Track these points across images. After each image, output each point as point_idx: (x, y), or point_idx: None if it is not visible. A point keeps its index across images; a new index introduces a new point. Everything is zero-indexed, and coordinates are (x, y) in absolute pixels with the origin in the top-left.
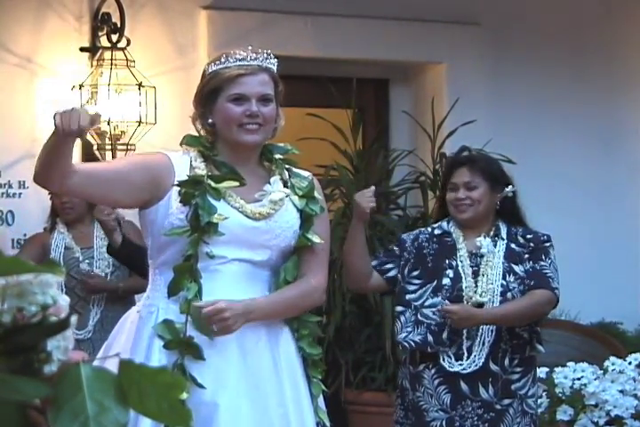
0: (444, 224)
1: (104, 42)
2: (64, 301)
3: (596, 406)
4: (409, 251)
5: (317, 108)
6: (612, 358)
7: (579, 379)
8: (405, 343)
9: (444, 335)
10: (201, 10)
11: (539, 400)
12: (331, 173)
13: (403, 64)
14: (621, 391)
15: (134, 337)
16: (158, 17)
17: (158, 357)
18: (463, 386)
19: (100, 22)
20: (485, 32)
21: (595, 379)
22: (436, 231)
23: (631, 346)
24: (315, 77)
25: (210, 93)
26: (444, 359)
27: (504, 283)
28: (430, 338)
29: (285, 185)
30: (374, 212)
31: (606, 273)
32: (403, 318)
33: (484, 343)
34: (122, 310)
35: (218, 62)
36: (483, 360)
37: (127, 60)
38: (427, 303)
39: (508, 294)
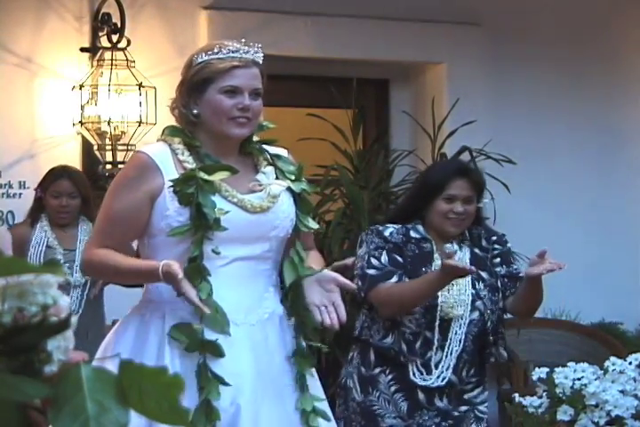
0: (420, 228)
1: (104, 42)
2: (64, 301)
3: (596, 406)
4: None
5: (318, 109)
6: (613, 359)
7: (579, 379)
8: (386, 351)
9: (418, 345)
10: (201, 10)
11: (539, 400)
12: (331, 173)
13: (403, 64)
14: (622, 392)
15: (141, 342)
16: (158, 17)
17: (170, 361)
18: (420, 395)
19: (100, 23)
20: (485, 32)
21: (595, 379)
22: (413, 234)
23: (631, 346)
24: (315, 77)
25: (200, 83)
26: (414, 374)
27: (474, 292)
28: (404, 347)
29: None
30: (375, 212)
31: (606, 273)
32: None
33: (451, 353)
34: (97, 316)
35: (210, 52)
36: (450, 372)
37: (127, 60)
38: None
39: (478, 303)
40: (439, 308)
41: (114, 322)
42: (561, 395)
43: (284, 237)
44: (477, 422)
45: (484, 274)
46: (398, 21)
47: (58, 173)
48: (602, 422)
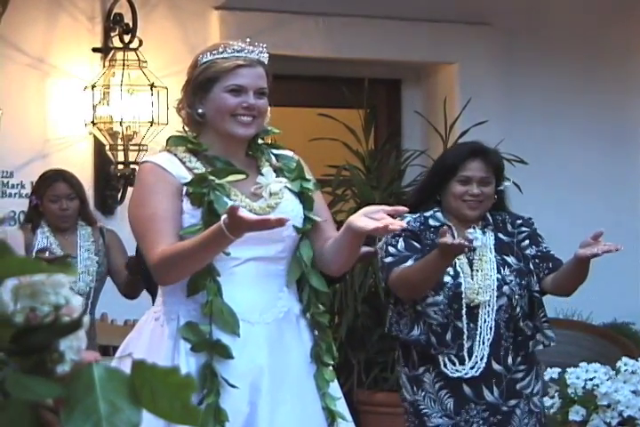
0: (439, 215)
1: (116, 42)
2: (76, 301)
3: (608, 406)
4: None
5: (329, 109)
6: (625, 359)
7: (591, 379)
8: (415, 344)
9: (448, 337)
10: (213, 10)
11: (551, 401)
12: (343, 173)
13: (415, 64)
14: (634, 392)
15: (155, 346)
16: (170, 17)
17: (186, 361)
18: (466, 389)
19: (112, 23)
20: (497, 32)
21: (607, 379)
22: (432, 222)
23: None
24: (327, 78)
25: (205, 82)
26: (445, 365)
27: (499, 277)
28: (433, 339)
29: (275, 171)
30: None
31: (618, 274)
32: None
33: (483, 342)
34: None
35: (215, 52)
36: (485, 362)
37: (139, 60)
38: (428, 301)
39: (505, 288)
40: (463, 295)
41: (126, 322)
42: (573, 395)
43: (296, 236)
44: (530, 416)
45: (510, 259)
46: (410, 21)
47: (53, 177)
48: (614, 422)
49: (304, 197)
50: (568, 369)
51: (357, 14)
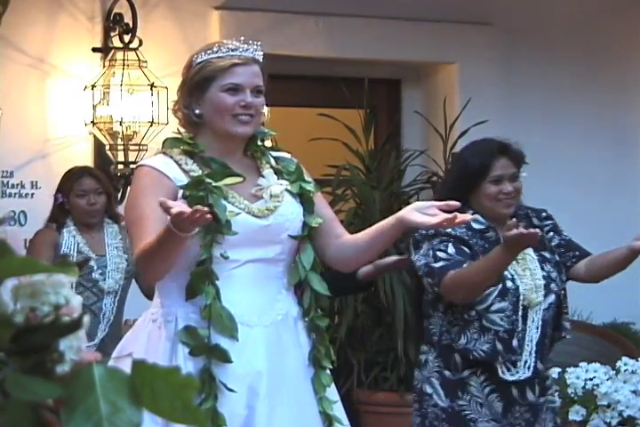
0: (480, 218)
1: (116, 42)
2: (77, 301)
3: (608, 406)
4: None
5: (329, 109)
6: (625, 359)
7: (591, 379)
8: (476, 353)
9: (515, 343)
10: (213, 10)
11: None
12: (342, 173)
13: (415, 64)
14: (634, 392)
15: (153, 347)
16: (170, 17)
17: (184, 364)
18: (514, 391)
19: (112, 23)
20: (498, 32)
21: (607, 379)
22: (475, 225)
23: None
24: (327, 78)
25: (201, 82)
26: (503, 372)
27: (544, 274)
28: (500, 347)
29: (276, 173)
30: (387, 212)
31: (618, 273)
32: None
33: (531, 341)
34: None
35: (209, 51)
36: (533, 360)
37: (139, 60)
38: (493, 308)
39: (552, 285)
40: (521, 297)
41: (126, 322)
42: (573, 395)
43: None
44: (553, 412)
45: (546, 254)
46: (410, 21)
47: (79, 173)
48: (614, 422)
49: (304, 199)
50: (568, 369)
51: (357, 14)
